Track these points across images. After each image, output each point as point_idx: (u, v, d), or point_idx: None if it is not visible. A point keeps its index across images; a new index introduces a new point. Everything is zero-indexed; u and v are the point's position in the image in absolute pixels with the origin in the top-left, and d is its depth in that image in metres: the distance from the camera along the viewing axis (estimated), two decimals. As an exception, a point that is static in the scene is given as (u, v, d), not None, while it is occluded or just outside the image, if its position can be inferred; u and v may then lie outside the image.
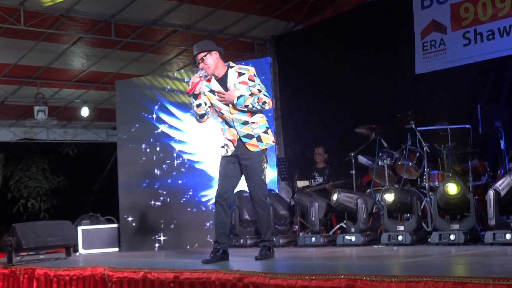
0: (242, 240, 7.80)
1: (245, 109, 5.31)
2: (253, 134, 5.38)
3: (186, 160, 8.63)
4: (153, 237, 8.60)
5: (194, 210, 8.48)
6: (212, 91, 5.45)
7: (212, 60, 5.38)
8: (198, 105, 5.42)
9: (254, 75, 5.39)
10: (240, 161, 5.42)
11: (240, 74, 5.38)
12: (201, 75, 5.35)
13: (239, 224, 7.89)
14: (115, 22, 9.73)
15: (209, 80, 5.44)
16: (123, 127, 9.05)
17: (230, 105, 5.36)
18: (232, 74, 5.40)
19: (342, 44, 10.14)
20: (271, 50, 11.33)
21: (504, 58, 8.22)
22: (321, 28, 10.63)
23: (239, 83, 5.34)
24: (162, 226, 8.59)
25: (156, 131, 8.77)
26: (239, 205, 7.87)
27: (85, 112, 12.54)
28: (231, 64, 5.48)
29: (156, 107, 8.81)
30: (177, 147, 8.68)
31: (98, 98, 12.60)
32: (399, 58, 9.28)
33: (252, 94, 5.32)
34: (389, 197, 6.75)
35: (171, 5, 9.57)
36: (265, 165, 5.46)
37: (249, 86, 5.33)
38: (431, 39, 8.91)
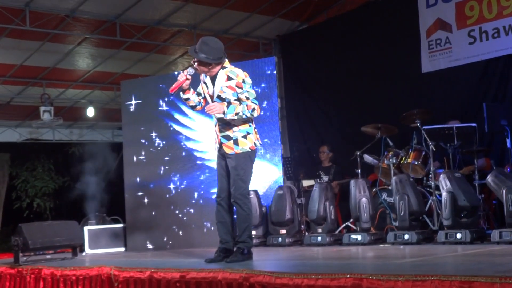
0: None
1: (236, 117, 5.20)
2: (231, 136, 5.31)
3: (192, 160, 8.63)
4: (159, 237, 8.60)
5: (201, 209, 8.48)
6: (205, 83, 5.41)
7: (206, 68, 5.27)
8: (186, 99, 5.45)
9: (243, 81, 5.23)
10: (226, 159, 5.41)
11: (229, 78, 5.25)
12: (190, 74, 5.28)
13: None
14: (120, 22, 9.75)
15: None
16: (129, 127, 9.06)
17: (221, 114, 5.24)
18: (221, 76, 5.28)
19: (347, 43, 10.13)
20: (276, 49, 11.33)
21: (510, 56, 8.20)
22: (326, 27, 10.62)
23: (226, 87, 5.25)
24: (168, 225, 8.60)
25: (161, 131, 8.78)
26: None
27: (90, 112, 12.56)
28: (225, 64, 5.32)
29: (162, 107, 8.81)
30: (183, 146, 8.69)
31: (103, 98, 12.62)
32: (404, 56, 9.27)
33: (239, 100, 5.22)
34: None
35: (176, 5, 9.58)
36: (248, 165, 5.35)
37: (237, 92, 5.23)
38: (436, 37, 8.90)
